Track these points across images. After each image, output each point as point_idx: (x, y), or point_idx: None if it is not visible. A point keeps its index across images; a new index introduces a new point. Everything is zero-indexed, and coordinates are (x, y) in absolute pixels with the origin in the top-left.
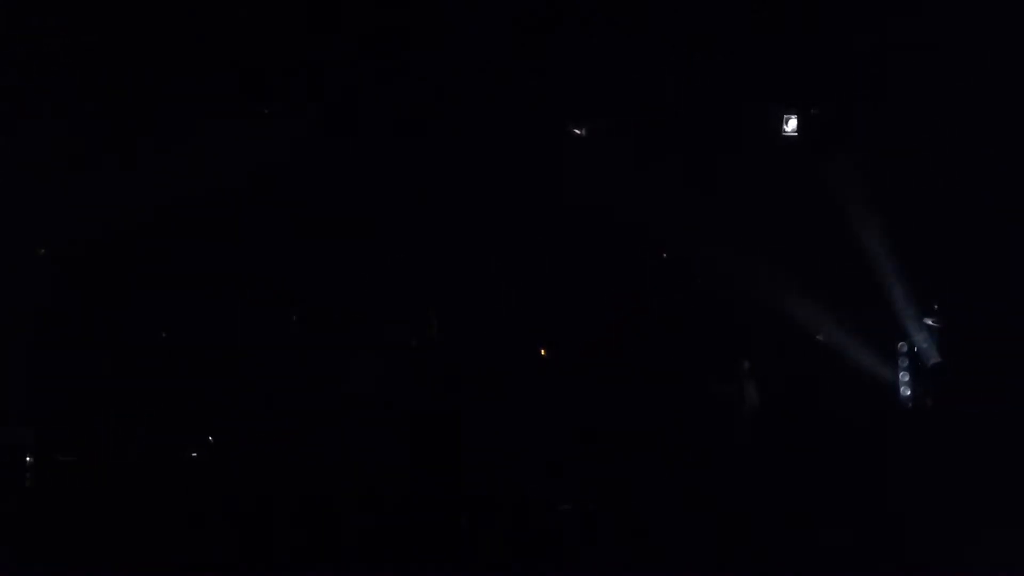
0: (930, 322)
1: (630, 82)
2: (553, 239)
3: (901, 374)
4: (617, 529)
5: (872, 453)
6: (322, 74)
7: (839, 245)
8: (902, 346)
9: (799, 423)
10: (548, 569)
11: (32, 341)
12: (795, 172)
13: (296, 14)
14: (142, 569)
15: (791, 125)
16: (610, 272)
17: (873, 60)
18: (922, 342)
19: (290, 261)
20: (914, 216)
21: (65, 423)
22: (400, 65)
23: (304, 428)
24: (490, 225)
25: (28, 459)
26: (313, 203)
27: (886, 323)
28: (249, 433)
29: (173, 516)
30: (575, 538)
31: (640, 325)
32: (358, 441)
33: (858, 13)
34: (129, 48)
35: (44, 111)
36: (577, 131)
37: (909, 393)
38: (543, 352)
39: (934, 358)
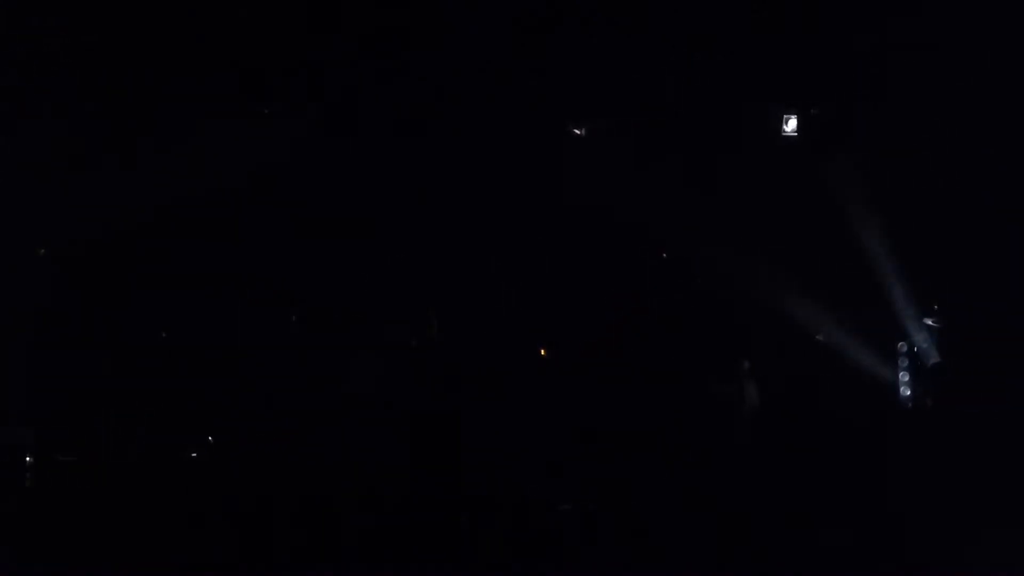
0: (930, 322)
1: (630, 82)
2: (553, 239)
3: (901, 374)
4: (617, 529)
5: (872, 453)
6: (322, 74)
7: (839, 245)
8: (902, 346)
9: (799, 423)
10: (548, 569)
11: (32, 341)
12: (795, 172)
13: (296, 14)
14: (142, 569)
15: (791, 125)
16: (610, 272)
17: (873, 60)
18: (922, 342)
19: (290, 261)
20: (914, 216)
21: (65, 423)
22: (400, 65)
23: (304, 428)
24: (490, 225)
25: (28, 459)
26: (313, 203)
27: (886, 323)
28: (249, 433)
29: (173, 516)
30: (575, 538)
31: (640, 325)
32: (358, 441)
33: (858, 13)
34: (129, 48)
35: (44, 111)
36: (577, 131)
37: (909, 393)
38: (543, 352)
39: (934, 358)
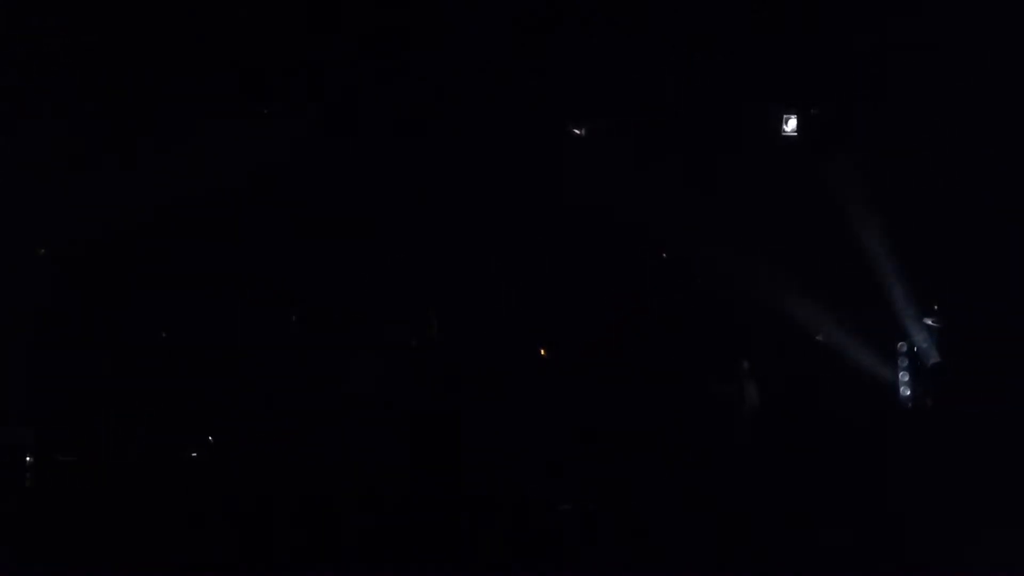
0: (930, 322)
1: (630, 82)
2: (553, 239)
3: (901, 374)
4: (617, 529)
5: (872, 453)
6: (322, 74)
7: (839, 245)
8: (902, 346)
9: (799, 423)
10: (548, 569)
11: (32, 341)
12: (795, 172)
13: (296, 14)
14: (142, 569)
15: (791, 125)
16: (610, 272)
17: (873, 60)
18: (922, 342)
19: (290, 261)
20: (914, 216)
21: (65, 423)
22: (400, 65)
23: (304, 428)
24: (490, 225)
25: (28, 459)
26: (313, 203)
27: (886, 323)
28: (249, 433)
29: (173, 516)
30: (575, 538)
31: (640, 325)
32: (358, 441)
33: (858, 13)
34: (129, 48)
35: (44, 111)
36: (577, 131)
37: (909, 393)
38: (543, 352)
39: (934, 358)
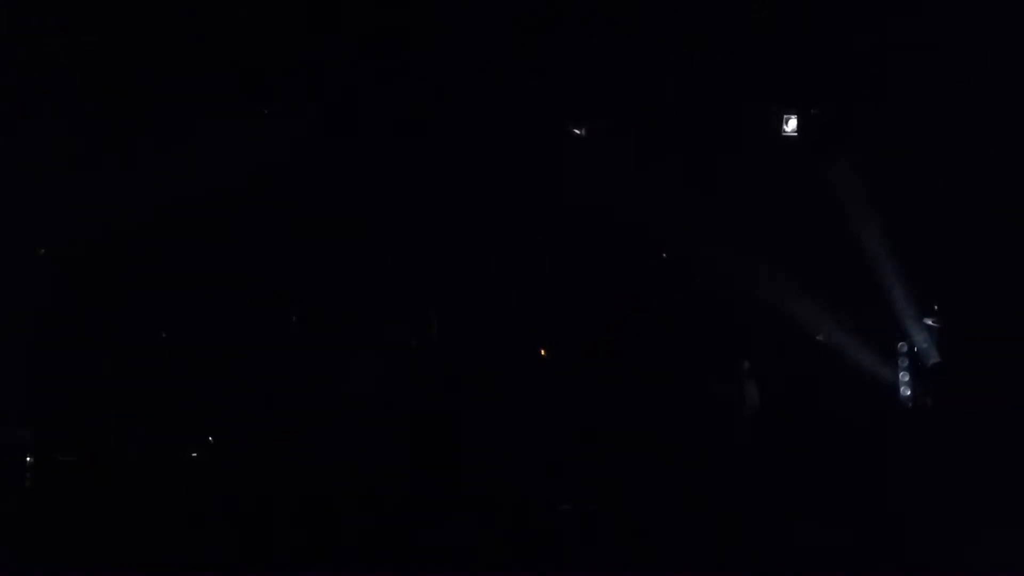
0: (930, 322)
1: (630, 82)
2: (553, 239)
3: (901, 374)
4: (617, 529)
5: (872, 453)
6: (322, 74)
7: (839, 245)
8: (902, 346)
9: (799, 423)
10: (548, 569)
11: (32, 341)
12: (795, 172)
13: (296, 14)
14: (142, 569)
15: (791, 125)
16: (610, 272)
17: (873, 60)
18: (922, 342)
19: (290, 261)
20: (914, 216)
21: (65, 423)
22: (400, 65)
23: (304, 428)
24: (490, 225)
25: (28, 459)
26: (313, 203)
27: (886, 323)
28: (249, 433)
29: (173, 516)
30: (575, 538)
31: (640, 325)
32: (358, 441)
33: (858, 13)
34: (129, 48)
35: (44, 111)
36: (577, 131)
37: (909, 393)
38: (543, 352)
39: (934, 358)
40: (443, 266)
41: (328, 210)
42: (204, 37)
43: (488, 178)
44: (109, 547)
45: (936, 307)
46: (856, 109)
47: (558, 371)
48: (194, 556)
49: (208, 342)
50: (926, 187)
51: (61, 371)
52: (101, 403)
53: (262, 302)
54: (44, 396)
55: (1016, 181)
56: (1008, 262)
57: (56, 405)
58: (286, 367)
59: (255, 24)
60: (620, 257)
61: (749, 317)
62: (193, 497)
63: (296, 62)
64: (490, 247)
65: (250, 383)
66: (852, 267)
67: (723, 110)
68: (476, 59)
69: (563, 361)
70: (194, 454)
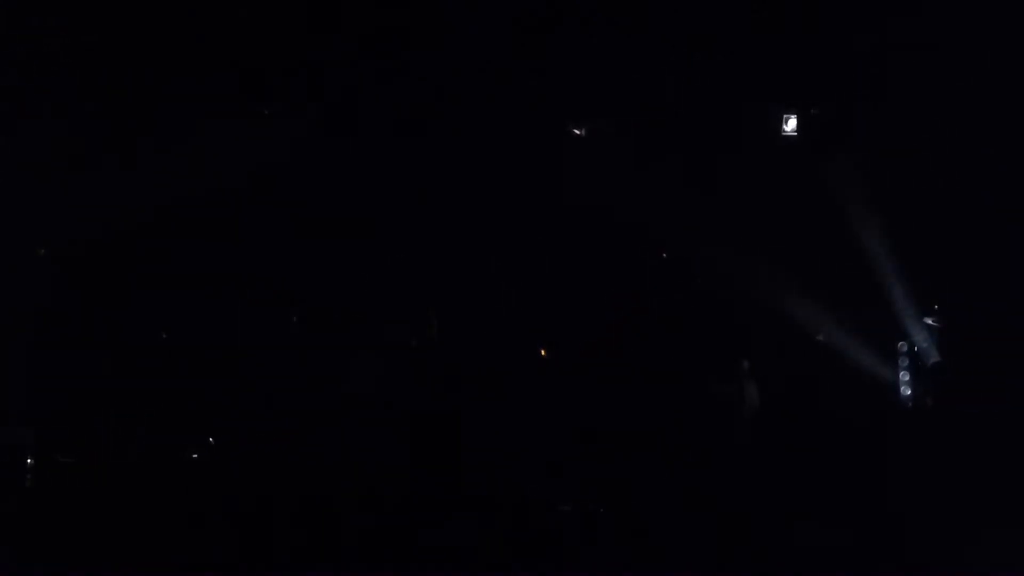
0: (930, 322)
1: (630, 82)
2: (553, 239)
3: (901, 374)
4: (617, 529)
5: (872, 453)
6: (322, 74)
7: (839, 245)
8: (902, 346)
9: (799, 423)
10: (548, 569)
11: (32, 341)
12: (795, 172)
13: (296, 14)
14: (142, 569)
15: (791, 125)
16: (610, 272)
17: (873, 60)
18: (922, 342)
19: (290, 261)
20: (914, 216)
21: (65, 423)
22: (400, 65)
23: (304, 428)
24: (490, 225)
25: (28, 459)
26: (313, 203)
27: (886, 323)
28: (249, 433)
29: (173, 516)
30: (575, 538)
31: (640, 325)
32: (358, 441)
33: (858, 13)
34: (129, 48)
35: (44, 111)
36: (577, 131)
37: (909, 393)
38: (543, 352)
39: (934, 358)
40: (443, 266)
41: (328, 210)
42: (204, 37)
43: (488, 178)
44: (109, 547)
45: (936, 307)
46: (856, 109)
47: (558, 371)
48: (194, 556)
49: (208, 342)
50: (926, 187)
51: (61, 371)
52: (101, 403)
53: (262, 302)
54: (44, 396)
55: (1016, 181)
56: (1008, 262)
57: (56, 405)
58: (286, 367)
59: (255, 24)
60: (620, 257)
61: (749, 317)
62: (193, 497)
63: (296, 62)
64: (490, 247)
65: (250, 383)
66: (852, 267)
67: (723, 110)
68: (476, 59)
69: (563, 361)
70: (194, 455)
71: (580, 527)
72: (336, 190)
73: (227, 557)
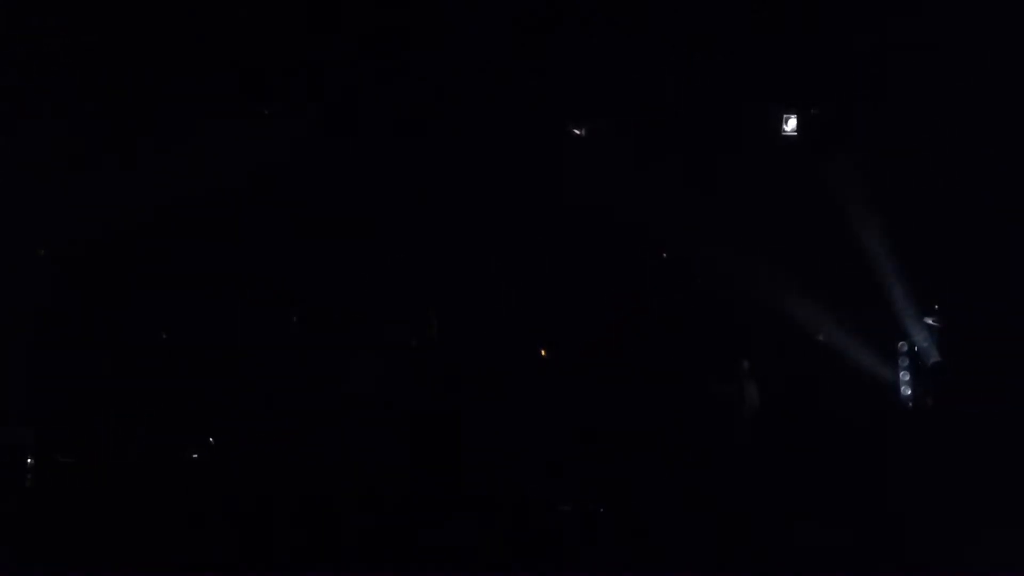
0: (930, 322)
1: (630, 82)
2: (553, 239)
3: (901, 374)
4: (617, 529)
5: (872, 453)
6: (322, 74)
7: (839, 245)
8: (902, 346)
9: (799, 423)
10: (548, 569)
11: (32, 341)
12: (795, 172)
13: (296, 14)
14: (142, 569)
15: (791, 125)
16: (610, 272)
17: (873, 60)
18: (922, 342)
19: (290, 261)
20: (914, 216)
21: (65, 423)
22: (400, 65)
23: (304, 428)
24: (490, 225)
25: (28, 459)
26: (313, 203)
27: (886, 323)
28: (249, 433)
29: (173, 516)
30: (575, 538)
31: (640, 325)
32: (358, 441)
33: (858, 13)
34: (129, 48)
35: (44, 111)
36: (577, 131)
37: (909, 393)
38: (543, 352)
39: (934, 358)
40: (443, 266)
41: (328, 210)
42: (204, 37)
43: (488, 178)
44: (109, 547)
45: (936, 307)
46: (856, 109)
47: (558, 371)
48: (194, 556)
49: (208, 342)
50: (926, 187)
51: (61, 371)
52: (101, 403)
53: (262, 302)
54: (44, 396)
55: (1016, 181)
56: (1008, 262)
57: (56, 405)
58: (286, 367)
59: (255, 24)
60: (620, 257)
61: (749, 317)
62: (193, 497)
63: (296, 62)
64: (490, 247)
65: (250, 383)
66: (852, 267)
67: (723, 110)
68: (476, 59)
69: (563, 361)
70: (194, 455)
71: (580, 527)
72: (336, 190)
73: (227, 557)
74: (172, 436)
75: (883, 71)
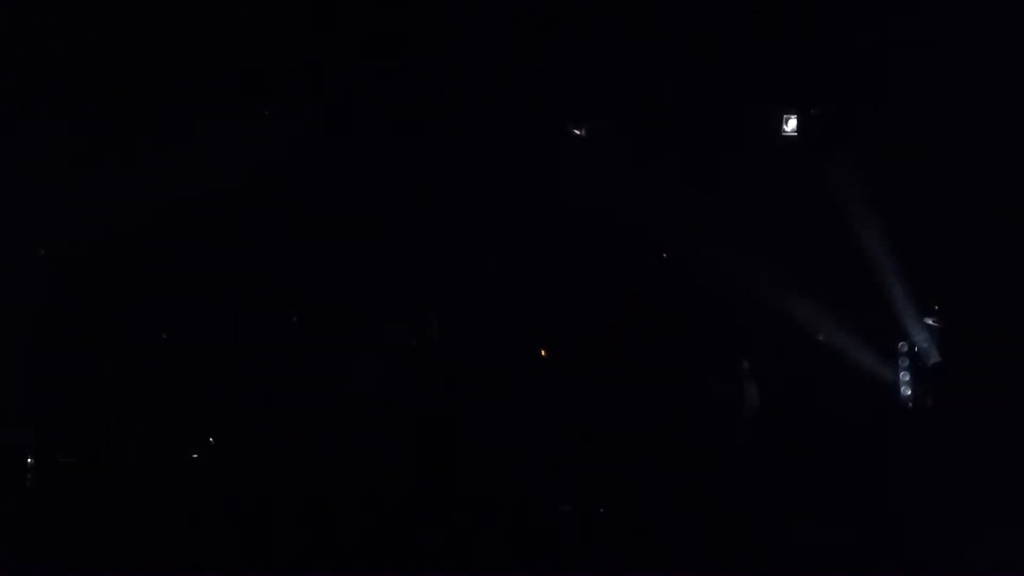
0: (930, 322)
1: (630, 82)
2: (553, 239)
3: (901, 374)
4: (617, 529)
5: (872, 453)
6: (322, 74)
7: (839, 245)
8: (902, 346)
9: (799, 423)
10: (548, 569)
11: (32, 341)
12: (795, 172)
13: (296, 14)
14: (142, 569)
15: (791, 125)
16: (610, 272)
17: (873, 60)
18: (922, 342)
19: (290, 261)
20: (914, 216)
21: (65, 423)
22: (400, 65)
23: (304, 428)
24: (490, 225)
25: (28, 459)
26: (313, 203)
27: (886, 323)
28: (249, 433)
29: (173, 516)
30: (575, 538)
31: (640, 325)
32: (358, 441)
33: (858, 13)
34: (129, 48)
35: (44, 111)
36: (577, 131)
37: (909, 393)
38: (543, 352)
39: (934, 358)
40: (443, 266)
41: (328, 210)
42: (204, 37)
43: (488, 178)
44: (109, 547)
45: (936, 307)
46: (856, 109)
47: (558, 371)
48: (194, 556)
49: (208, 342)
50: (926, 187)
51: (61, 371)
52: (101, 403)
53: (262, 302)
54: (44, 396)
55: (1016, 181)
56: (1008, 262)
57: (56, 405)
58: (286, 367)
59: (255, 24)
60: (620, 257)
61: (749, 317)
62: (193, 497)
63: (296, 62)
64: (490, 247)
65: (250, 383)
66: (852, 267)
67: (723, 110)
68: (476, 59)
69: (563, 361)
70: (194, 454)
71: (580, 527)
72: (336, 190)
73: (227, 557)
74: (172, 436)
75: (883, 71)
